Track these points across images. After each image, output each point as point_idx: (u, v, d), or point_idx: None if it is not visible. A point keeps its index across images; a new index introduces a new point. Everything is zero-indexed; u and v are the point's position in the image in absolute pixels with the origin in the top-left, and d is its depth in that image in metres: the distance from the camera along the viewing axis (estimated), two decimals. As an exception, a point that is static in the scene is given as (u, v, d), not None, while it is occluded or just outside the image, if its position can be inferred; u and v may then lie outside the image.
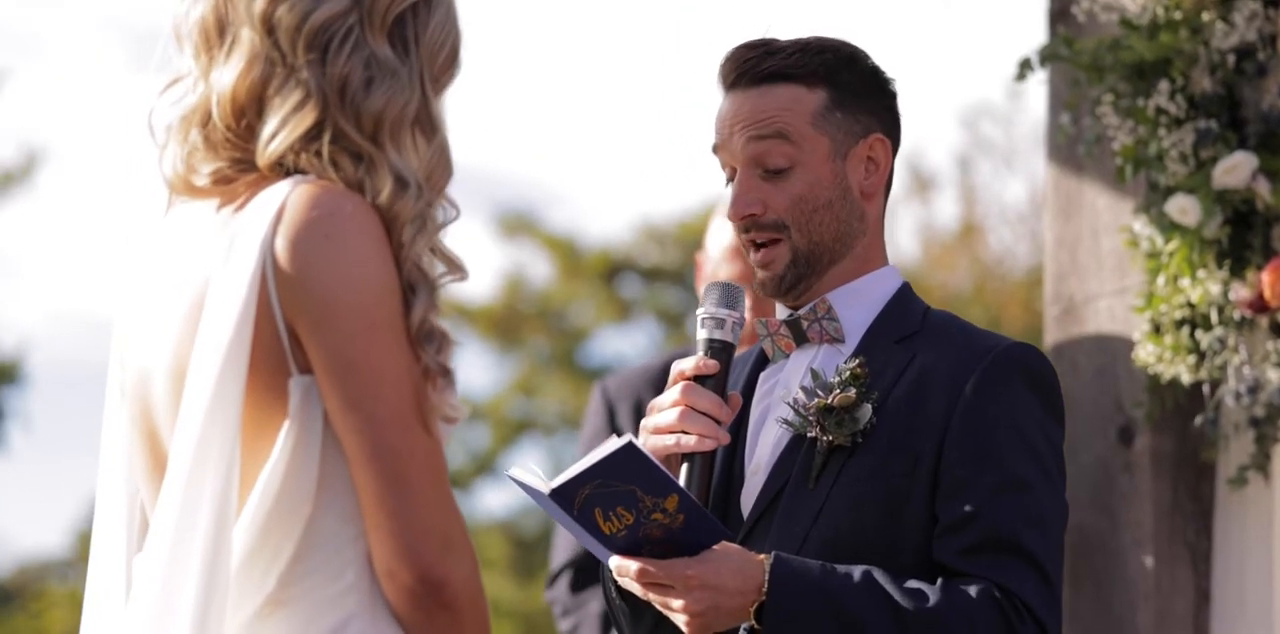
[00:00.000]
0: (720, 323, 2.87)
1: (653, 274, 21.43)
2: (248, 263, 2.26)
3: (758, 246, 2.92)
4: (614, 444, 2.62)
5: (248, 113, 2.33)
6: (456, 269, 2.37)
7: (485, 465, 21.11)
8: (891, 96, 2.99)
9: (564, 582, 4.77)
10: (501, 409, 21.43)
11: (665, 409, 2.84)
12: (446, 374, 2.29)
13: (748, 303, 2.96)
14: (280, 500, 2.27)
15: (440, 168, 2.36)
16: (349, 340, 2.24)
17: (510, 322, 21.42)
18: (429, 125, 2.36)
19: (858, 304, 2.92)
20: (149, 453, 2.39)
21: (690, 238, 20.65)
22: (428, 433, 2.27)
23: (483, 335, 21.45)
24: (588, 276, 21.47)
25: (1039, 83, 4.28)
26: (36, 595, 19.99)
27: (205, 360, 2.25)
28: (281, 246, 2.26)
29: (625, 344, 22.14)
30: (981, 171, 17.05)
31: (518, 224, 21.99)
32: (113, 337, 2.45)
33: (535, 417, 21.70)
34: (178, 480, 2.25)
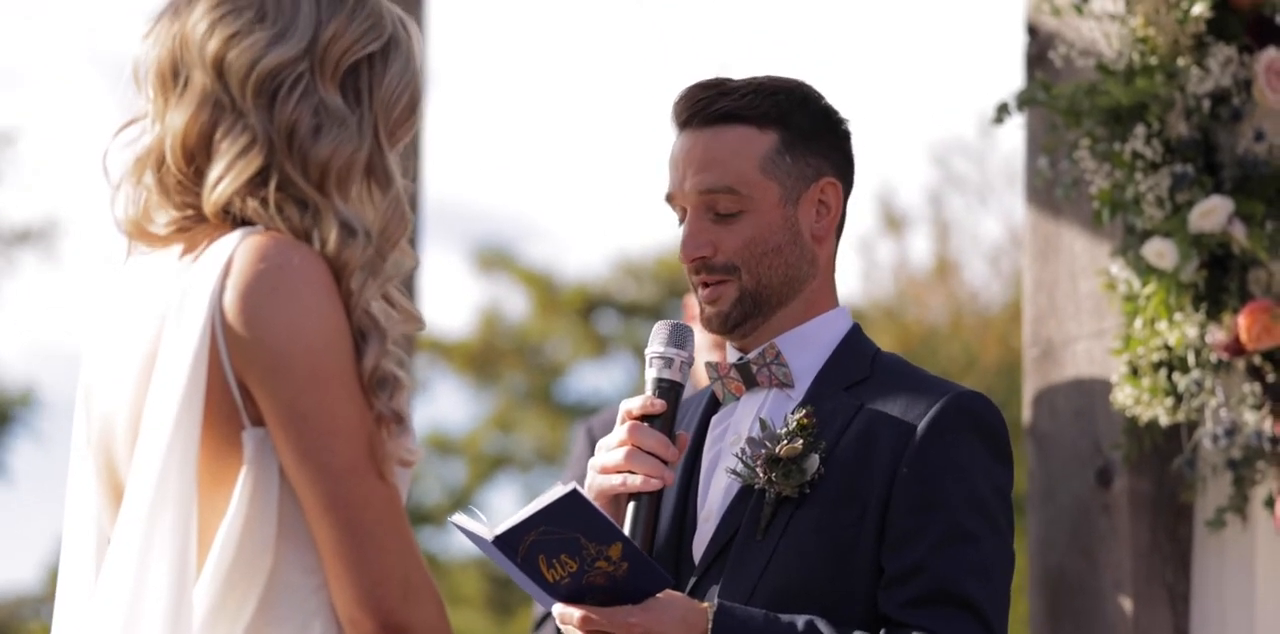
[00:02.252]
0: (669, 362, 2.86)
1: (630, 309, 21.43)
2: (197, 317, 2.24)
3: (706, 285, 2.92)
4: (558, 492, 2.61)
5: (197, 156, 2.32)
6: (411, 318, 2.36)
7: (461, 501, 21.06)
8: (844, 137, 2.98)
9: (549, 631, 4.72)
10: (478, 444, 21.41)
11: (612, 449, 2.84)
12: (401, 420, 2.27)
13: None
14: (241, 552, 2.25)
15: (395, 220, 2.34)
16: (300, 392, 2.23)
17: (487, 357, 21.40)
18: (383, 177, 2.34)
19: (806, 349, 2.92)
20: (114, 501, 2.37)
21: (667, 273, 20.67)
22: (383, 480, 2.25)
23: (459, 371, 21.44)
24: (565, 312, 21.48)
25: (1013, 122, 4.29)
26: (16, 633, 19.87)
27: (158, 415, 2.23)
28: (230, 300, 2.24)
29: (602, 379, 22.14)
30: (954, 207, 17.08)
31: (495, 259, 22.01)
32: (79, 386, 2.43)
33: (512, 452, 21.67)
34: (132, 538, 2.23)
